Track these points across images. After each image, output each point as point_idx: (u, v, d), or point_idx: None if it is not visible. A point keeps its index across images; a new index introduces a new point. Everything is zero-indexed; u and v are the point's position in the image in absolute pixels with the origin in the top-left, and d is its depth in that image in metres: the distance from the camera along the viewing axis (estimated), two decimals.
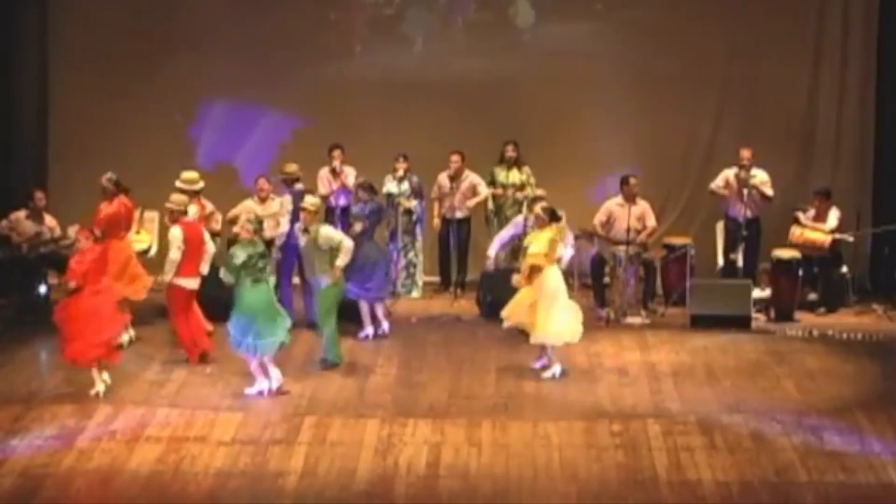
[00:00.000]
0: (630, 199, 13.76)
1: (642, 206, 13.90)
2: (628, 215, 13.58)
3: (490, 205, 14.40)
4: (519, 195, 14.26)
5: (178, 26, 15.00)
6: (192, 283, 11.85)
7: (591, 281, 14.06)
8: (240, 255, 10.95)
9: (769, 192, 13.92)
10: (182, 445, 9.92)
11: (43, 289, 13.53)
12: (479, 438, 10.07)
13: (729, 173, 14.03)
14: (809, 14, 14.95)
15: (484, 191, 14.39)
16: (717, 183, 14.11)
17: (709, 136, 15.16)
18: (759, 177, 13.89)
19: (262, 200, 14.03)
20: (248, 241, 11.07)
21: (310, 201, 11.77)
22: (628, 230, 13.51)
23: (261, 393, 10.97)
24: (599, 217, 13.87)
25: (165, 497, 9.15)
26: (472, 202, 14.38)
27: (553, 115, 14.93)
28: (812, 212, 13.92)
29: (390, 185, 14.19)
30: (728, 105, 15.13)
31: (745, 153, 13.88)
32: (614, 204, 13.88)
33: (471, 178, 14.39)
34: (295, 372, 11.61)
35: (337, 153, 14.19)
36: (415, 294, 14.36)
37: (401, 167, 14.16)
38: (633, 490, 9.26)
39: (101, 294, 11.03)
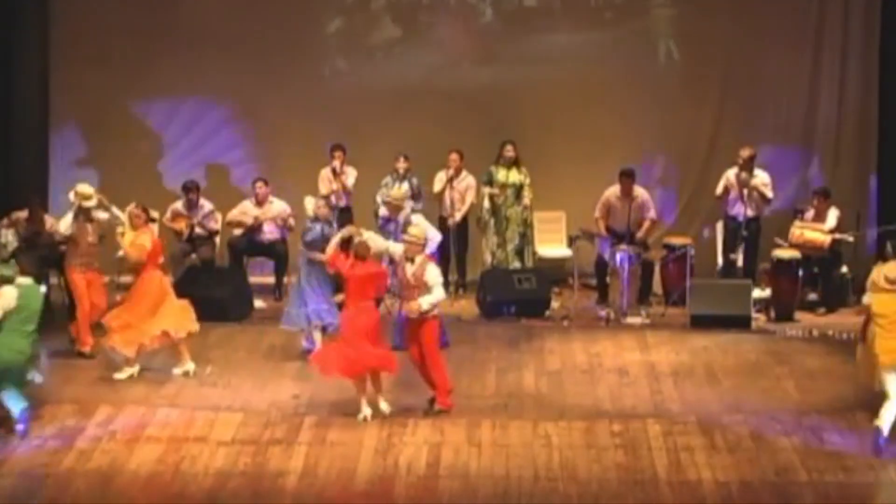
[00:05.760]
0: (627, 193, 13.78)
1: (641, 196, 13.90)
2: (629, 208, 13.65)
3: (486, 204, 14.37)
4: (524, 201, 14.24)
5: (179, 26, 14.98)
6: None
7: (594, 281, 14.11)
8: None
9: (769, 193, 13.90)
10: (182, 445, 9.92)
11: (43, 289, 13.49)
12: (479, 438, 10.08)
13: (729, 174, 14.03)
14: (810, 13, 14.93)
15: (469, 199, 14.33)
16: (720, 188, 14.09)
17: (709, 136, 15.15)
18: (760, 178, 13.88)
19: (260, 203, 14.03)
20: None
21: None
22: (629, 223, 13.54)
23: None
24: (599, 209, 13.89)
25: (165, 497, 9.16)
26: (460, 210, 14.31)
27: (553, 116, 14.91)
28: (811, 212, 13.92)
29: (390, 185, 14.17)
30: (728, 105, 15.12)
31: (745, 153, 13.86)
32: (613, 196, 13.89)
33: (468, 180, 14.36)
34: (295, 372, 11.63)
35: (338, 154, 14.19)
36: None
37: (401, 166, 14.14)
38: (633, 490, 9.26)
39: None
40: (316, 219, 12.13)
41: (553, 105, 14.93)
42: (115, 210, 12.11)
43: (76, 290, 12.13)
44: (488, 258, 14.35)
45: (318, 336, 11.99)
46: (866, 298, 10.45)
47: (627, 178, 13.83)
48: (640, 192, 13.92)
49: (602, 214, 13.91)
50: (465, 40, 15.22)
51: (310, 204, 12.24)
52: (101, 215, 12.09)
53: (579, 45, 15.09)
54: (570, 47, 15.07)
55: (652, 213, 13.97)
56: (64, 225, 12.06)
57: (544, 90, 14.94)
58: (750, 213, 13.85)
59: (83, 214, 12.02)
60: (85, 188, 12.16)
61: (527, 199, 14.25)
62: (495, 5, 15.16)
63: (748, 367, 11.90)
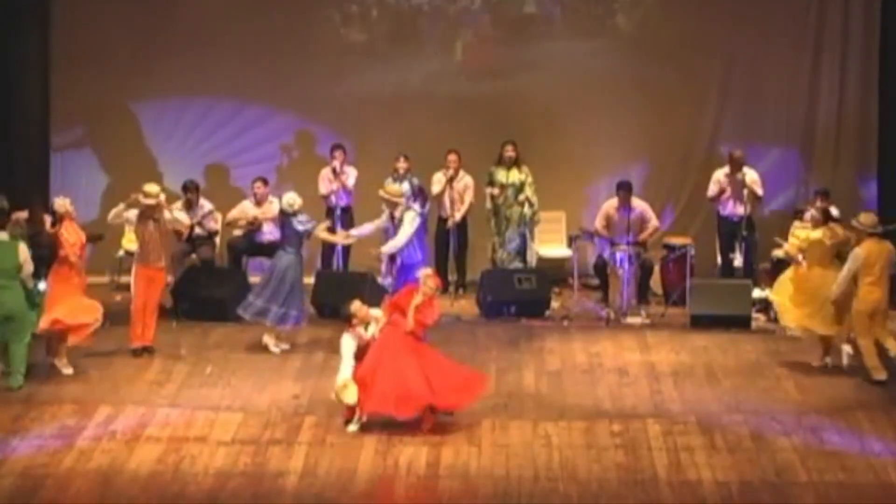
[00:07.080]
0: (625, 204, 13.79)
1: (641, 207, 13.93)
2: (627, 220, 13.65)
3: (488, 204, 14.37)
4: (521, 197, 14.24)
5: (180, 25, 15.00)
6: None
7: (595, 281, 14.12)
8: None
9: (759, 191, 13.91)
10: (182, 445, 9.91)
11: (42, 287, 13.48)
12: (479, 438, 10.07)
13: (719, 174, 14.03)
14: (810, 13, 14.96)
15: (468, 199, 14.34)
16: (712, 188, 14.08)
17: (709, 137, 15.18)
18: (750, 175, 13.89)
19: (259, 203, 14.03)
20: None
21: None
22: (628, 231, 13.55)
23: None
24: (600, 221, 13.94)
25: (165, 497, 9.15)
26: (460, 210, 14.31)
27: (553, 118, 14.94)
28: (811, 212, 13.90)
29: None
30: (728, 105, 15.14)
31: (737, 153, 13.86)
32: (611, 207, 13.91)
33: (465, 180, 14.35)
34: (295, 372, 11.64)
35: (338, 153, 14.19)
36: None
37: (401, 167, 14.14)
38: (633, 490, 9.26)
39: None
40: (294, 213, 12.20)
41: (553, 107, 14.95)
42: (175, 212, 12.33)
43: (133, 285, 12.11)
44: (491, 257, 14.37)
45: (270, 341, 12.24)
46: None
47: (625, 190, 13.84)
48: (638, 203, 13.93)
49: (602, 226, 13.93)
50: (465, 46, 15.22)
51: (295, 200, 12.27)
52: (167, 215, 12.10)
53: (580, 51, 15.09)
54: (571, 53, 15.08)
55: (654, 222, 13.98)
56: (112, 214, 12.04)
57: (545, 93, 14.96)
58: (744, 211, 13.84)
59: (146, 212, 11.99)
60: (150, 187, 12.14)
61: (522, 196, 14.23)
62: (496, 12, 15.18)
63: (748, 367, 11.90)
